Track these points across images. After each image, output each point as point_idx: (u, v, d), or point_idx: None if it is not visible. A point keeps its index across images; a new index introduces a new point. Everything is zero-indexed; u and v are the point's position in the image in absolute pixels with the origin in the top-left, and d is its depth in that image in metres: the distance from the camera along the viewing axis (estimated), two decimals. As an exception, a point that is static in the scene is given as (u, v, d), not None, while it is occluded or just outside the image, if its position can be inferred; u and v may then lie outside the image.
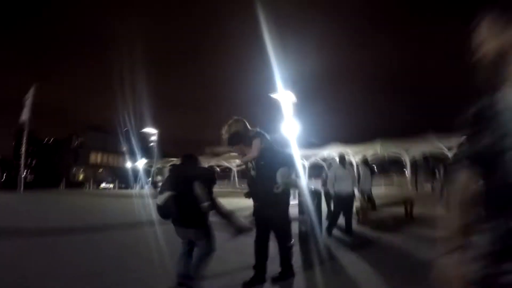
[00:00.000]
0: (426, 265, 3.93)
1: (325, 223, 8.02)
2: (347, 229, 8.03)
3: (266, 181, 4.28)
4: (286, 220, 4.50)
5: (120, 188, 49.99)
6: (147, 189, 33.10)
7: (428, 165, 34.63)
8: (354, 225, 8.41)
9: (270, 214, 4.30)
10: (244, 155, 4.51)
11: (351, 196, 8.23)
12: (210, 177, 4.06)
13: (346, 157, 9.04)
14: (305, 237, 6.78)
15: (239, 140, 4.41)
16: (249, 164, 4.51)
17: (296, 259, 5.09)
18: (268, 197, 4.28)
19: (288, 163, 4.48)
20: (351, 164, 10.02)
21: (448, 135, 27.52)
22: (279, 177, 4.24)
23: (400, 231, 8.27)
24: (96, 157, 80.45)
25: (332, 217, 8.26)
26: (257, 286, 4.09)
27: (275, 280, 4.32)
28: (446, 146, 28.23)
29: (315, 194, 7.50)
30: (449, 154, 28.28)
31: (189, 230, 3.86)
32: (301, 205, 7.24)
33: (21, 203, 16.43)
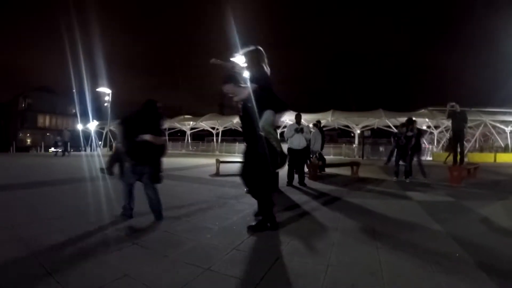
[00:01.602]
0: (363, 209, 4.50)
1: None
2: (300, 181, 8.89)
3: (250, 124, 4.19)
4: (262, 166, 4.18)
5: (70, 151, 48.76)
6: (99, 151, 32.45)
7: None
8: (306, 180, 9.26)
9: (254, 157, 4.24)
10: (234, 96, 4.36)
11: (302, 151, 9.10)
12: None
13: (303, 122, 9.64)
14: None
15: (235, 81, 4.33)
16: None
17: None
18: (251, 140, 4.29)
19: (275, 108, 4.26)
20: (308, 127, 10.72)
21: (395, 114, 29.99)
22: (261, 121, 4.12)
23: (347, 185, 9.01)
24: (44, 120, 76.79)
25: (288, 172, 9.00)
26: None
27: (250, 228, 4.18)
28: (392, 123, 30.15)
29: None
30: (395, 130, 30.06)
31: (145, 167, 4.68)
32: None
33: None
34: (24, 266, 2.91)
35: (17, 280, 2.64)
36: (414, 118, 10.40)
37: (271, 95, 4.32)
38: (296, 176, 9.03)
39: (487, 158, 23.49)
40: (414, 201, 6.52)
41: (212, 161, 13.57)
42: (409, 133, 10.03)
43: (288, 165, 8.97)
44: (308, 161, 10.37)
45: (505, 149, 26.39)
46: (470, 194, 7.54)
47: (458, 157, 10.36)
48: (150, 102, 4.85)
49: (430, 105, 30.95)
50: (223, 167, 11.69)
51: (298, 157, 8.98)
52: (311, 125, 12.44)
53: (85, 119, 46.73)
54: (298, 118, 9.15)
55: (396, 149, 10.48)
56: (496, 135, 29.02)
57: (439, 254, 3.34)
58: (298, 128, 8.88)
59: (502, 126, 27.99)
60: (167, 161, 8.86)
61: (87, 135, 43.33)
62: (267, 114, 4.15)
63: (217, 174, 11.17)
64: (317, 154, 11.37)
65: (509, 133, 27.77)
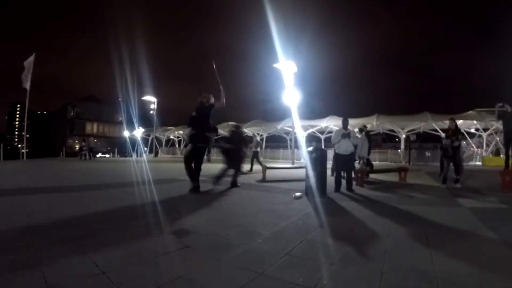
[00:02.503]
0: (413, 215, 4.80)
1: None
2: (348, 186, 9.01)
3: None
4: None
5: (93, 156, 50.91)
6: (144, 157, 33.75)
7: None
8: (354, 186, 9.40)
9: None
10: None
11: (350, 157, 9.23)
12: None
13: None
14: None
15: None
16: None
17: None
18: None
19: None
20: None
21: (442, 116, 29.08)
22: None
23: (396, 191, 8.95)
24: (92, 127, 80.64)
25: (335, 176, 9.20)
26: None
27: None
28: (439, 127, 29.36)
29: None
30: (442, 134, 29.38)
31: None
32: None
33: (29, 168, 16.94)
34: (80, 265, 3.04)
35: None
36: (454, 123, 10.18)
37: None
38: (344, 182, 9.12)
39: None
40: (465, 208, 6.39)
41: (258, 167, 13.88)
42: (456, 143, 9.87)
43: (336, 171, 9.15)
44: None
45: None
46: None
47: (511, 160, 9.99)
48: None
49: (478, 106, 29.66)
50: (270, 173, 11.98)
51: (345, 162, 9.07)
52: (356, 130, 12.55)
53: (131, 126, 48.57)
54: (345, 123, 9.20)
55: (445, 159, 10.35)
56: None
57: (495, 262, 3.30)
58: (345, 133, 8.92)
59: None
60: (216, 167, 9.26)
61: (133, 142, 45.10)
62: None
63: (264, 180, 11.40)
64: (364, 160, 11.46)
65: None
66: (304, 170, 8.46)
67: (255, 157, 15.58)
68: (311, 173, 7.80)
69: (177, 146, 49.27)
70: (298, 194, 7.65)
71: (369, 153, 11.99)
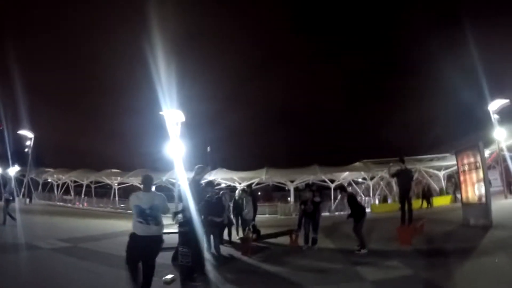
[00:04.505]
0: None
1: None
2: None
3: None
4: None
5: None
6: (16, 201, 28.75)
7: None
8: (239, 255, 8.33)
9: None
10: None
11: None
12: None
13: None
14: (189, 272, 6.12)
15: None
16: None
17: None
18: None
19: None
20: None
21: (330, 169, 30.37)
22: None
23: (287, 263, 7.58)
24: None
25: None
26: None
27: None
28: (328, 178, 30.24)
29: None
30: (331, 185, 30.36)
31: None
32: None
33: None
34: None
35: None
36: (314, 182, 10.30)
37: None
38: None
39: (424, 203, 23.59)
40: (369, 283, 5.41)
41: None
42: (317, 199, 9.52)
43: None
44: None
45: (440, 193, 26.88)
46: (425, 258, 6.92)
47: (407, 215, 9.70)
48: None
49: (364, 157, 31.51)
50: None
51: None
52: (238, 190, 11.77)
53: (5, 162, 41.93)
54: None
55: (304, 217, 9.62)
56: (429, 179, 29.82)
57: None
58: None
59: (435, 171, 28.84)
60: (83, 224, 7.19)
61: (5, 181, 38.82)
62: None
63: None
64: (250, 226, 10.17)
65: (442, 176, 28.59)
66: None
67: None
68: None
69: (55, 191, 43.07)
70: (169, 276, 6.00)
71: (254, 215, 10.81)
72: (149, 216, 4.73)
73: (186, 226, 6.45)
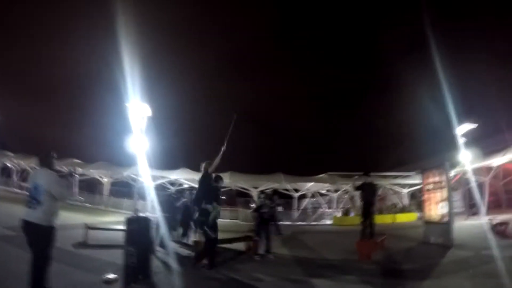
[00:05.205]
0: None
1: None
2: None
3: None
4: None
5: None
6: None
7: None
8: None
9: None
10: None
11: None
12: None
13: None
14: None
15: None
16: None
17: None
18: None
19: None
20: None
21: (294, 178, 30.13)
22: None
23: (239, 271, 7.14)
24: None
25: None
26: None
27: None
28: (293, 188, 30.35)
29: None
30: (295, 194, 30.37)
31: None
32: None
33: None
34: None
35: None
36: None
37: None
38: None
39: (387, 219, 23.86)
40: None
41: (94, 218, 11.12)
42: (273, 204, 9.56)
43: None
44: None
45: (403, 210, 27.27)
46: (384, 274, 6.79)
47: (368, 229, 9.65)
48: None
49: (330, 170, 31.49)
50: (95, 234, 9.40)
51: None
52: None
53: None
54: None
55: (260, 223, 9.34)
56: (392, 196, 30.24)
57: None
58: None
59: (398, 189, 29.30)
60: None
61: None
62: None
63: (85, 243, 8.73)
64: (205, 229, 9.65)
65: (406, 193, 29.11)
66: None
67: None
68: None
69: (14, 177, 40.85)
70: (111, 276, 5.45)
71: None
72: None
73: (134, 224, 5.95)
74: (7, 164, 41.95)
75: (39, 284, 3.90)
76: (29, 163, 36.19)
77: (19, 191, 34.29)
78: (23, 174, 38.50)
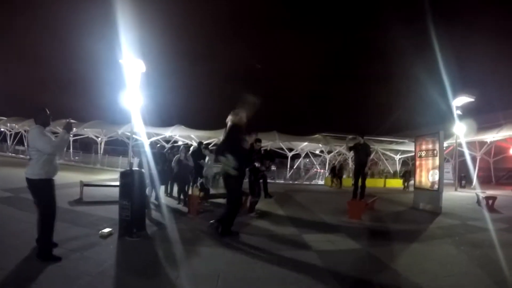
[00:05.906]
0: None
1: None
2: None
3: None
4: None
5: None
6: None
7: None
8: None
9: None
10: None
11: None
12: None
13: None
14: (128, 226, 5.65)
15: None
16: None
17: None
18: None
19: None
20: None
21: (289, 137, 30.17)
22: None
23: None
24: None
25: None
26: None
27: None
28: (286, 147, 30.47)
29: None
30: (288, 153, 30.53)
31: None
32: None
33: None
34: None
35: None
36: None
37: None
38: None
39: (378, 183, 24.30)
40: (313, 252, 5.18)
41: (90, 177, 11.18)
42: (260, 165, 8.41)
43: None
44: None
45: (394, 175, 27.71)
46: (373, 235, 6.85)
47: (359, 190, 9.89)
48: None
49: (324, 130, 31.47)
50: (89, 191, 9.49)
51: None
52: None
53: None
54: None
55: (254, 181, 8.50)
56: (385, 161, 30.51)
57: None
58: None
59: (391, 154, 29.49)
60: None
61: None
62: None
63: (80, 200, 8.76)
64: (198, 184, 9.63)
65: (398, 160, 29.34)
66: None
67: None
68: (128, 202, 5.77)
69: (8, 142, 40.65)
70: (106, 230, 5.54)
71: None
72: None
73: (127, 178, 5.94)
74: (1, 128, 41.43)
75: (44, 238, 4.18)
76: (23, 126, 35.78)
77: (14, 155, 34.23)
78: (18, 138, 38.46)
